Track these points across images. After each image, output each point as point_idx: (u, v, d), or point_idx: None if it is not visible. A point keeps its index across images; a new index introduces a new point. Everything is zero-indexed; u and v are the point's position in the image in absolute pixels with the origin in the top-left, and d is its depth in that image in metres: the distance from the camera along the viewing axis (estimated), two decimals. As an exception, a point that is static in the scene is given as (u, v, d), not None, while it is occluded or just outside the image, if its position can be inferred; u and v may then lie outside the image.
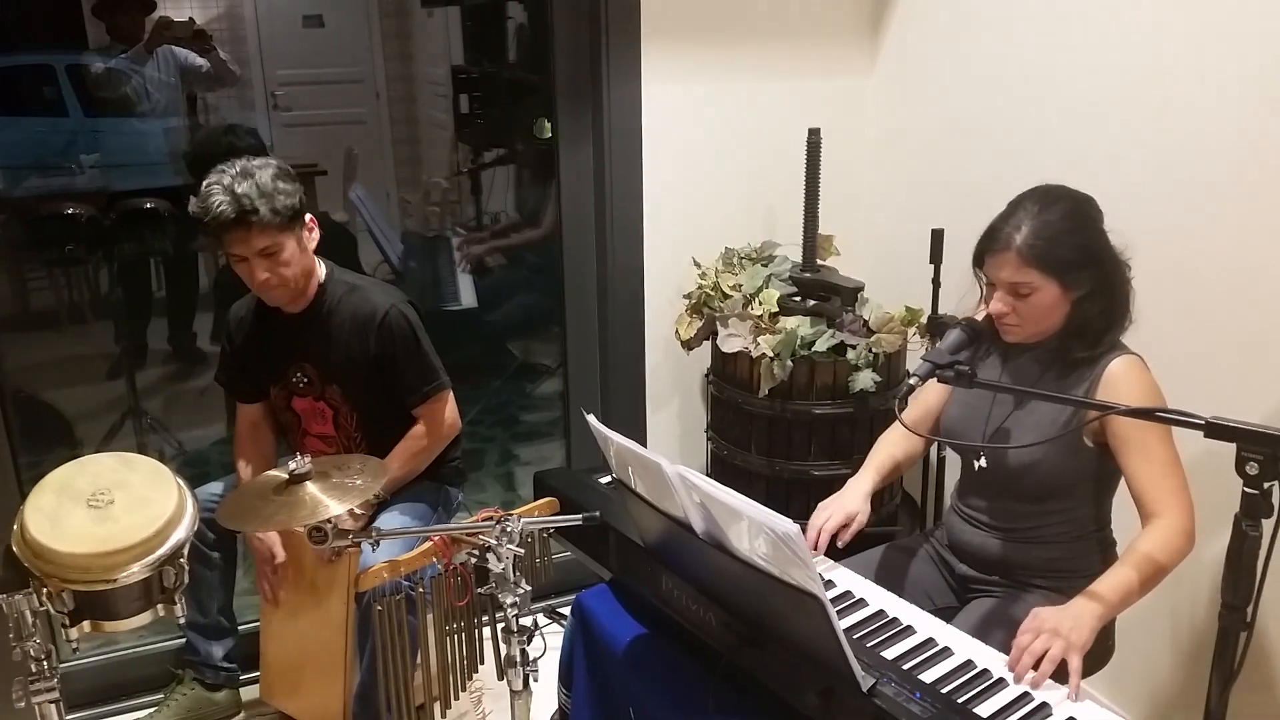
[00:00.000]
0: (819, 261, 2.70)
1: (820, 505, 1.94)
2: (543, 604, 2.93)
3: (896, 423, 2.06)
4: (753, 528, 1.42)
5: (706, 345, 2.74)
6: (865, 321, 2.52)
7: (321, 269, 2.29)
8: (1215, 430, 1.35)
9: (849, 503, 1.91)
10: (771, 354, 2.45)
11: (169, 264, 3.59)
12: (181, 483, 1.53)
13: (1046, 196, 1.74)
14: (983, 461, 1.91)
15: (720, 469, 2.76)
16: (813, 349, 2.47)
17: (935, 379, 1.72)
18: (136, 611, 1.44)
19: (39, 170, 3.66)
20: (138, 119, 3.49)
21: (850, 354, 2.48)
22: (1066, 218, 1.71)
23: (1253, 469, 1.32)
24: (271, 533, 2.25)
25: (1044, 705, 1.49)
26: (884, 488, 2.11)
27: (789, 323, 2.50)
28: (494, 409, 4.29)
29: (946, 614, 1.89)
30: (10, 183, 3.51)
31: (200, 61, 3.38)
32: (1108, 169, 2.23)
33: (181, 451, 3.52)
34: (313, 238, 2.22)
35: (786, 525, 1.34)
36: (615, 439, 1.68)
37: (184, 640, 2.51)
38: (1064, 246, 1.70)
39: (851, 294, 2.54)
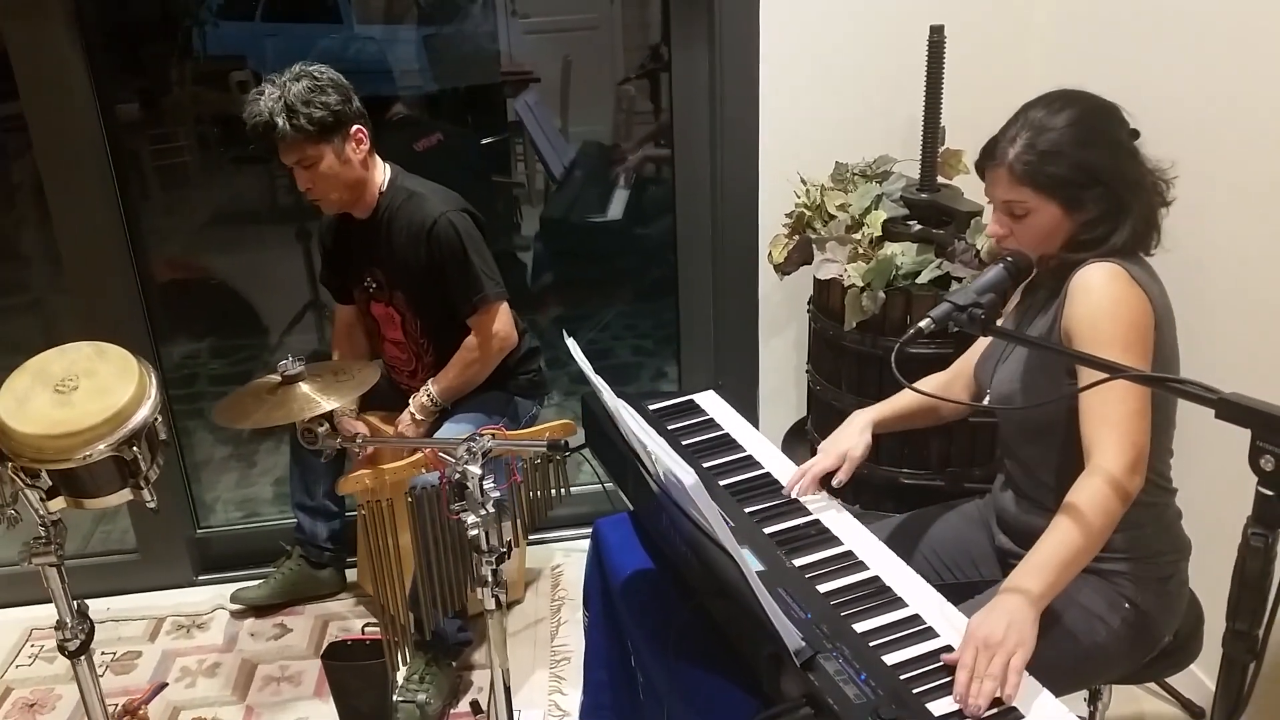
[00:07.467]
0: (941, 180, 2.39)
1: (820, 445, 1.78)
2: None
3: (952, 366, 1.85)
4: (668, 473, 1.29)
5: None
6: (978, 251, 2.21)
7: (385, 175, 2.30)
8: (1229, 410, 1.05)
9: (842, 441, 1.74)
10: (861, 284, 2.22)
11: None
12: (149, 376, 1.60)
13: (1053, 104, 1.50)
14: (987, 403, 1.71)
15: (815, 406, 2.56)
16: (914, 280, 2.21)
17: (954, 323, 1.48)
18: (109, 491, 1.55)
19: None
20: (404, 27, 3.63)
21: (954, 287, 2.19)
22: (1070, 127, 1.48)
23: (1268, 464, 1.02)
24: (352, 419, 2.34)
25: (1012, 710, 1.28)
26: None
27: (890, 249, 2.25)
28: (662, 324, 4.22)
29: (985, 588, 1.67)
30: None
31: None
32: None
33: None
34: (360, 149, 2.22)
35: (684, 474, 1.21)
36: (583, 364, 1.59)
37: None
38: (1062, 163, 1.47)
39: (965, 219, 2.23)
